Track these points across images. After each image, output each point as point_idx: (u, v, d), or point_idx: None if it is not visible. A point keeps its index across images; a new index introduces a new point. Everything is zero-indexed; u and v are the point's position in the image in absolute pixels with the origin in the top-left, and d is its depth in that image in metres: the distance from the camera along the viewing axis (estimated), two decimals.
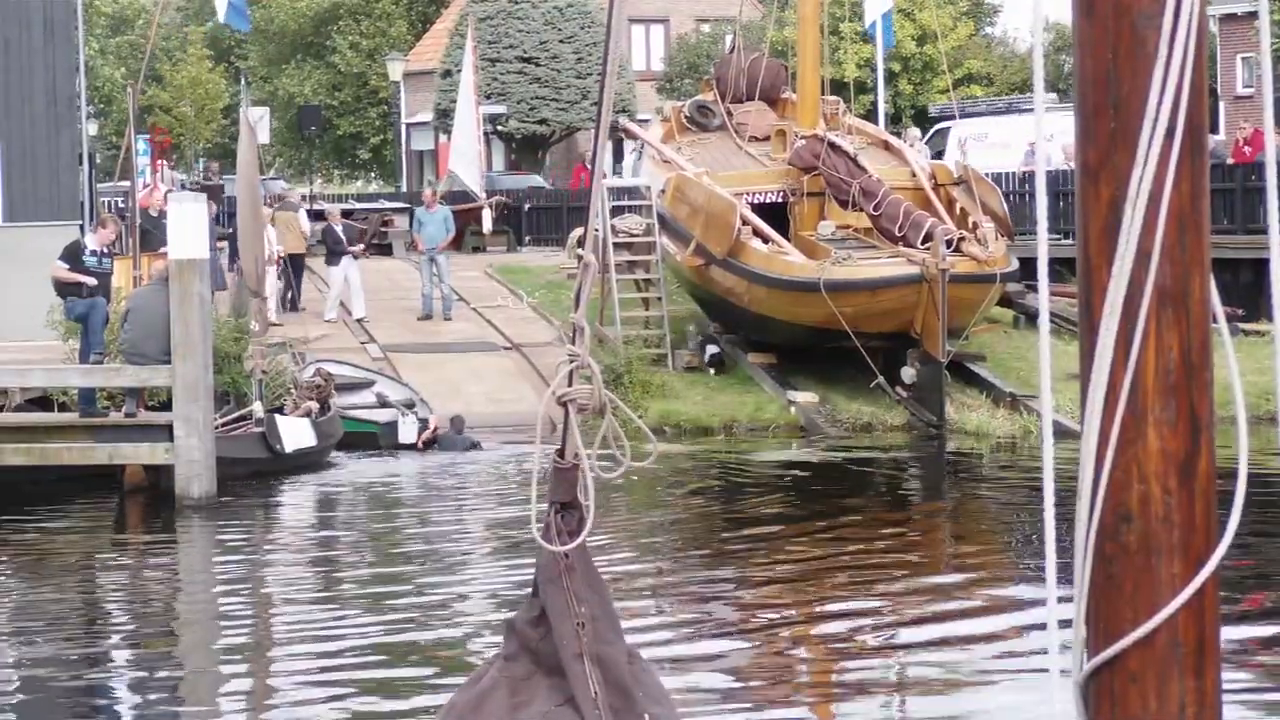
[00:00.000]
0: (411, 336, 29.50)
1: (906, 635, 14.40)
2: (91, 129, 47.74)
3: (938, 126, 41.35)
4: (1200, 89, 2.70)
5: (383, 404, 25.06)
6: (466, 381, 26.71)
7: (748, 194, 27.18)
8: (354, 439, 23.81)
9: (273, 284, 28.58)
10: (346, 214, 34.95)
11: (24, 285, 24.66)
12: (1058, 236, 28.35)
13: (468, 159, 41.31)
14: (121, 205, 36.63)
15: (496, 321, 30.86)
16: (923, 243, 24.44)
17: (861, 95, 46.79)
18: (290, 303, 31.48)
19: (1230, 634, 12.77)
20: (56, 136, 29.08)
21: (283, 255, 30.35)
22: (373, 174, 74.22)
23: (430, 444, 24.39)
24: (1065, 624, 2.75)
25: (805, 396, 25.70)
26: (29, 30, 28.81)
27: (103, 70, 62.21)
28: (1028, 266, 26.34)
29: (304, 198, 44.12)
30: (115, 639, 15.03)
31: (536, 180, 50.33)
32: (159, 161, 48.42)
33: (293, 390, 23.43)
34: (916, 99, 54.01)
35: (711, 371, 26.95)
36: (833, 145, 26.82)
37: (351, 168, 72.31)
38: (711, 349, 27.28)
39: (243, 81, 48.94)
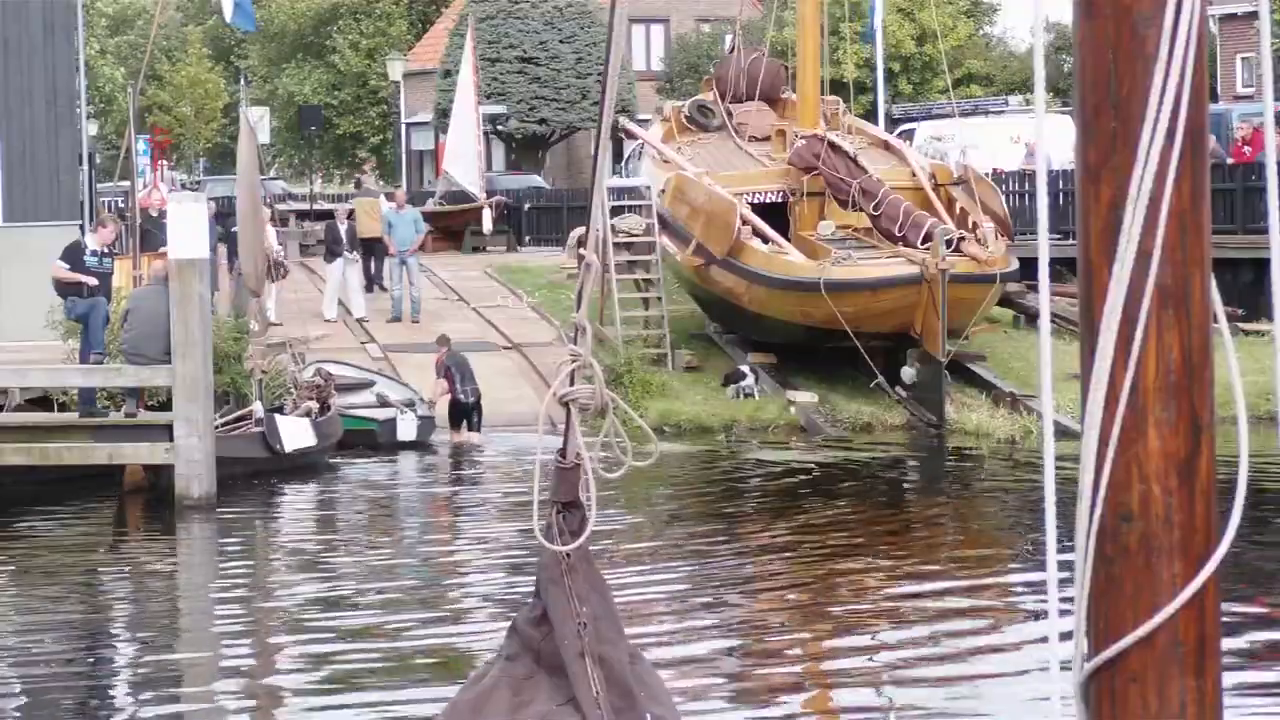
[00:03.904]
0: (411, 337, 29.50)
1: (906, 635, 14.39)
2: (91, 129, 47.75)
3: (902, 128, 41.31)
4: (1200, 89, 2.70)
5: (383, 404, 25.08)
6: None
7: (748, 194, 27.18)
8: (353, 437, 23.81)
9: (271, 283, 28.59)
10: (351, 214, 35.04)
11: (24, 285, 24.64)
12: (1058, 237, 28.33)
13: (465, 159, 41.31)
14: (121, 205, 36.67)
15: (496, 321, 30.87)
16: (923, 243, 24.45)
17: (861, 95, 46.82)
18: (369, 285, 33.00)
19: (1230, 634, 12.78)
20: (56, 136, 29.07)
21: (362, 238, 32.60)
22: (373, 174, 74.23)
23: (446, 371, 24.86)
24: (1066, 624, 2.75)
25: (805, 396, 25.68)
26: (29, 30, 28.79)
27: (103, 70, 62.20)
28: (1028, 266, 26.33)
29: (305, 197, 44.18)
30: (115, 639, 15.03)
31: (536, 180, 50.34)
32: (159, 161, 48.45)
33: (293, 390, 23.43)
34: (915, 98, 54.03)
35: (742, 396, 26.18)
36: (833, 145, 26.82)
37: (351, 167, 72.33)
38: (746, 384, 26.16)
39: (242, 81, 48.96)
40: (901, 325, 24.35)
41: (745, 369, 26.38)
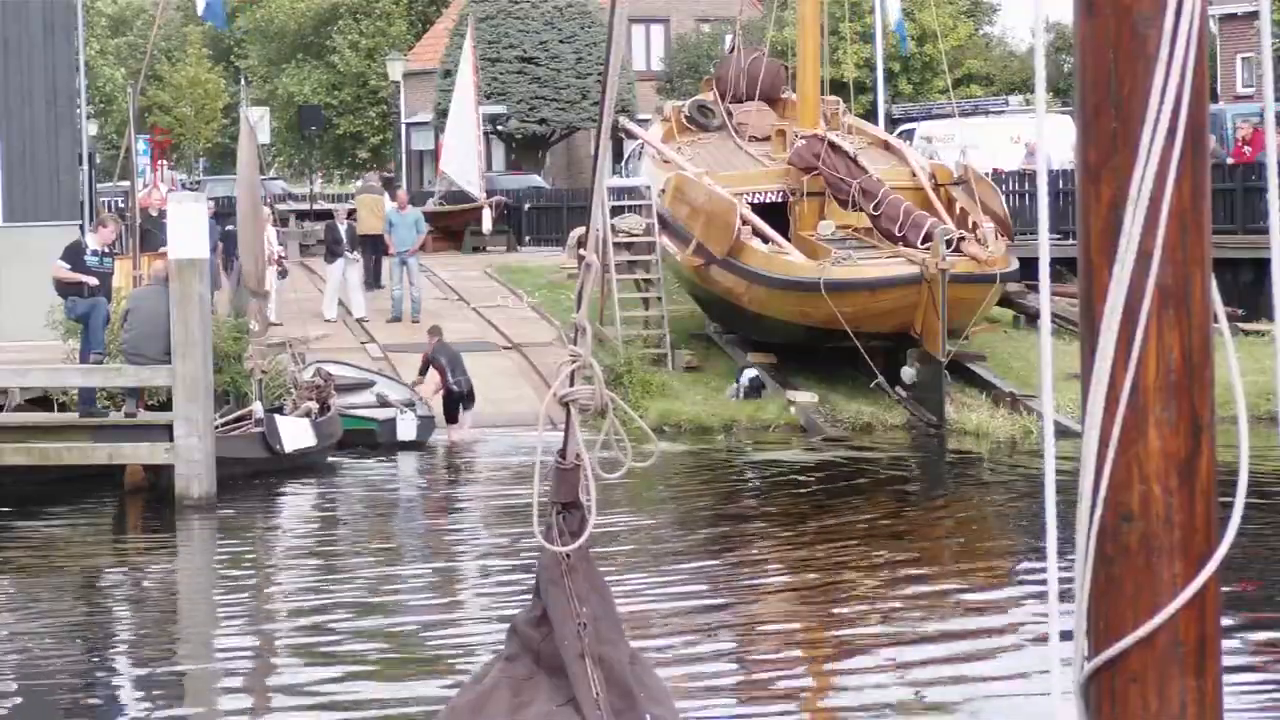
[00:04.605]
0: (411, 337, 29.48)
1: (906, 636, 14.39)
2: (91, 129, 47.75)
3: (902, 128, 41.34)
4: (1201, 89, 2.70)
5: (383, 404, 25.09)
6: None
7: (748, 194, 27.17)
8: (353, 437, 23.82)
9: (273, 283, 28.59)
10: (350, 214, 35.09)
11: (24, 285, 24.64)
12: (1058, 236, 28.34)
13: (463, 159, 41.31)
14: (121, 205, 36.64)
15: (496, 321, 30.87)
16: (923, 243, 24.45)
17: (861, 95, 46.82)
18: (369, 282, 33.08)
19: (1231, 634, 12.78)
20: (56, 136, 29.05)
21: (363, 235, 33.01)
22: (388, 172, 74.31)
23: (427, 367, 25.06)
24: (1066, 624, 2.75)
25: (805, 396, 25.68)
26: (29, 30, 28.78)
27: (103, 70, 62.22)
28: (1028, 266, 26.33)
29: (305, 197, 44.18)
30: (115, 639, 15.03)
31: (536, 180, 50.35)
32: (159, 161, 48.45)
33: (293, 390, 23.43)
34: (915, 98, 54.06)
35: (742, 396, 26.00)
36: (833, 145, 26.82)
37: (351, 167, 72.37)
38: (750, 373, 26.21)
39: (242, 81, 48.95)
40: (901, 325, 24.35)
41: (754, 372, 26.23)
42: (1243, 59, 51.66)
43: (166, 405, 20.71)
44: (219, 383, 21.36)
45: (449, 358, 25.03)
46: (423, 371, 25.22)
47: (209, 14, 33.91)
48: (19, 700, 12.84)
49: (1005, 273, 24.83)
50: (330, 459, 23.17)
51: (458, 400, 24.87)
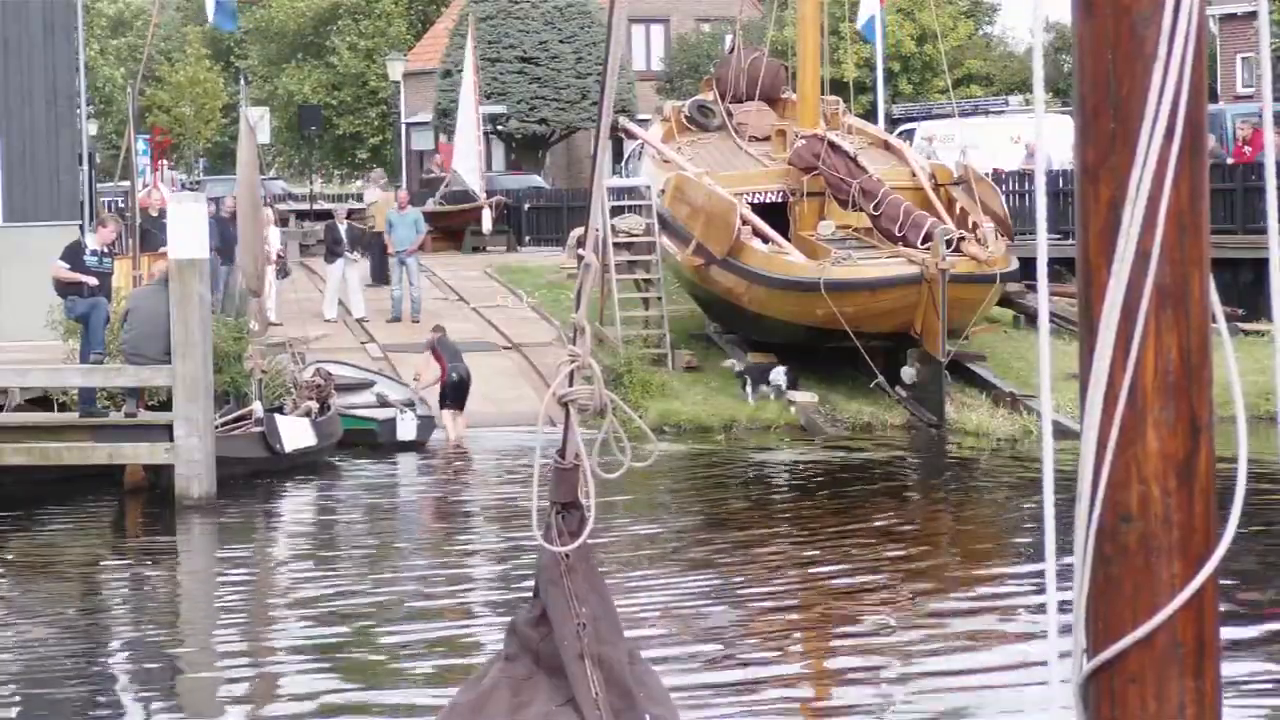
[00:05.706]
0: (411, 337, 29.49)
1: (905, 636, 14.39)
2: (91, 129, 47.76)
3: (902, 128, 41.35)
4: (1200, 89, 2.70)
5: (383, 404, 25.10)
6: None
7: (748, 194, 27.17)
8: (353, 437, 23.82)
9: (271, 282, 28.59)
10: (350, 214, 35.13)
11: (24, 285, 24.65)
12: (1058, 236, 28.32)
13: (469, 159, 41.37)
14: (121, 205, 36.66)
15: (496, 321, 30.87)
16: (923, 243, 24.45)
17: (861, 95, 46.83)
18: (374, 277, 33.47)
19: (1230, 634, 12.78)
20: (56, 136, 29.05)
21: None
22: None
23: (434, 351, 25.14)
24: (1065, 625, 2.75)
25: (805, 396, 25.68)
26: (29, 30, 28.79)
27: (103, 70, 62.22)
28: (1028, 266, 26.32)
29: (305, 197, 44.23)
30: (115, 639, 15.02)
31: (536, 180, 50.36)
32: (159, 161, 48.46)
33: (293, 390, 23.43)
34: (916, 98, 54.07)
35: (765, 399, 25.65)
36: (833, 145, 26.82)
37: (351, 167, 72.38)
38: (777, 377, 25.82)
39: (242, 81, 48.96)
40: (901, 325, 24.35)
41: (781, 371, 26.03)
42: (1243, 59, 51.67)
43: (166, 405, 20.71)
44: (219, 383, 21.36)
45: (449, 352, 25.07)
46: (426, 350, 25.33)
47: (220, 16, 33.85)
48: (19, 700, 12.84)
49: (1005, 273, 24.83)
50: (330, 459, 23.17)
51: (456, 385, 24.82)
